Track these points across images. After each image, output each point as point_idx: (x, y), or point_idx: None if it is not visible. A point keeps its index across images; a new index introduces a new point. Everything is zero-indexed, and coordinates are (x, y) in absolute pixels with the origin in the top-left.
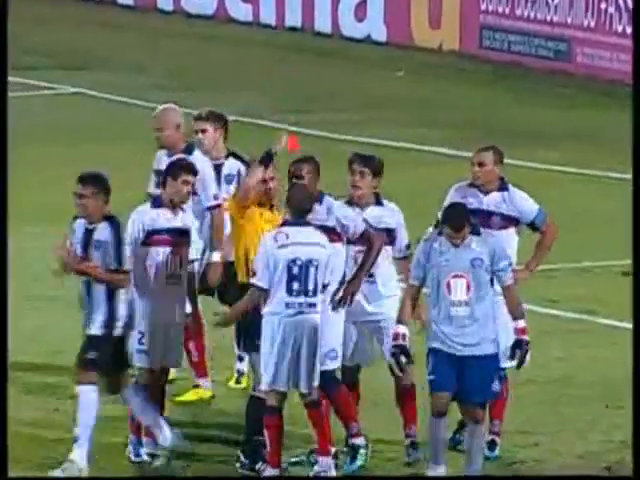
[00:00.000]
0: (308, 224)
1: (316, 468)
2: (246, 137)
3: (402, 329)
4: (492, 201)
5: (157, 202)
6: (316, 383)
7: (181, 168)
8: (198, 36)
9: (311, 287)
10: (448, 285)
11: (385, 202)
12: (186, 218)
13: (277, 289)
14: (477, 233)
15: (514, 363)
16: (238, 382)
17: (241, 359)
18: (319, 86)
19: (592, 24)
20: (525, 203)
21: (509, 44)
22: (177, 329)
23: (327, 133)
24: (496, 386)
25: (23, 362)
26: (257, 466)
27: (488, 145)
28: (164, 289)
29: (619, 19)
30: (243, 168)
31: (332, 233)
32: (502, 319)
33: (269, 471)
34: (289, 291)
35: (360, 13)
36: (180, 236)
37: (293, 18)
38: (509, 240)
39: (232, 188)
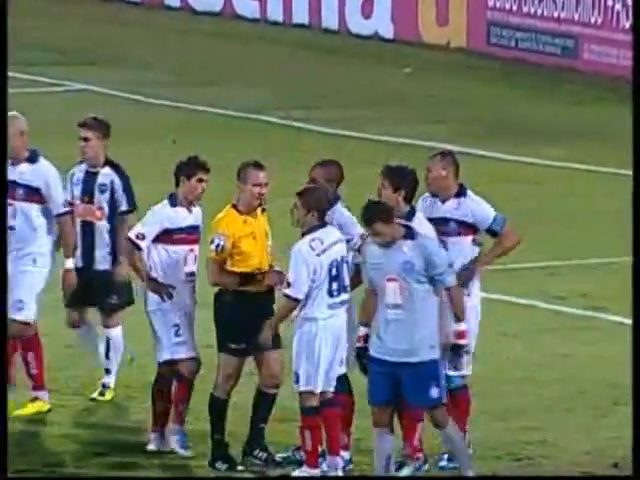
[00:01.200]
0: (327, 223)
1: (324, 466)
2: (253, 134)
3: (363, 331)
4: (448, 208)
5: (174, 201)
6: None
7: (196, 166)
8: (205, 33)
9: (346, 283)
10: (384, 288)
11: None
12: (198, 215)
13: (317, 293)
14: (411, 237)
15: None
16: (102, 395)
17: (108, 372)
18: (326, 83)
19: (599, 21)
20: (480, 209)
21: (516, 41)
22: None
23: (334, 130)
24: (435, 393)
25: None
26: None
27: (441, 151)
28: (184, 286)
29: (626, 16)
30: (117, 179)
31: None
32: (469, 325)
33: (308, 472)
34: (330, 292)
35: (367, 10)
36: (195, 233)
37: (300, 15)
38: (465, 247)
39: (105, 197)
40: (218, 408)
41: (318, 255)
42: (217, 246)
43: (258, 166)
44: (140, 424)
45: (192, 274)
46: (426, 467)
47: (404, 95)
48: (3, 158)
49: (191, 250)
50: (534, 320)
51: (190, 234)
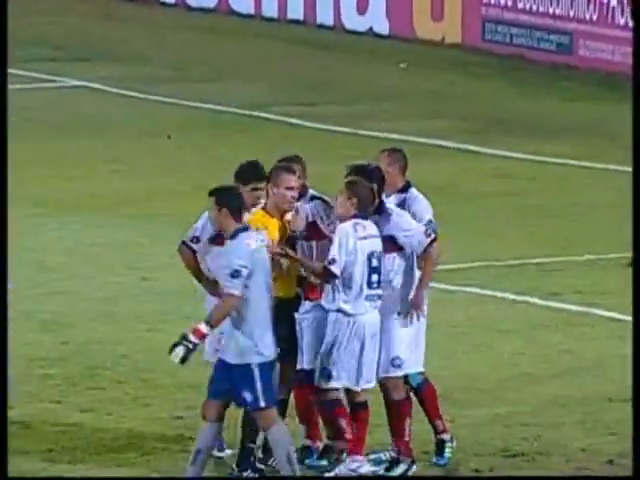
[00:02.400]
0: (368, 216)
1: (350, 466)
2: (248, 130)
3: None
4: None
5: None
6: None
7: (252, 175)
8: (201, 29)
9: (384, 278)
10: None
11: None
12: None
13: (355, 282)
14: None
15: None
16: None
17: None
18: (321, 79)
19: (594, 17)
20: (420, 208)
21: (511, 37)
22: None
23: (330, 126)
24: (248, 397)
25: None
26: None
27: (391, 148)
28: None
29: (621, 12)
30: None
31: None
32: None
33: (356, 460)
34: (370, 284)
35: (362, 6)
36: None
37: (295, 11)
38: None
39: None
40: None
41: (360, 239)
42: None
43: (290, 170)
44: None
45: None
46: (414, 468)
47: (399, 91)
48: (3, 158)
49: None
50: (529, 316)
51: None
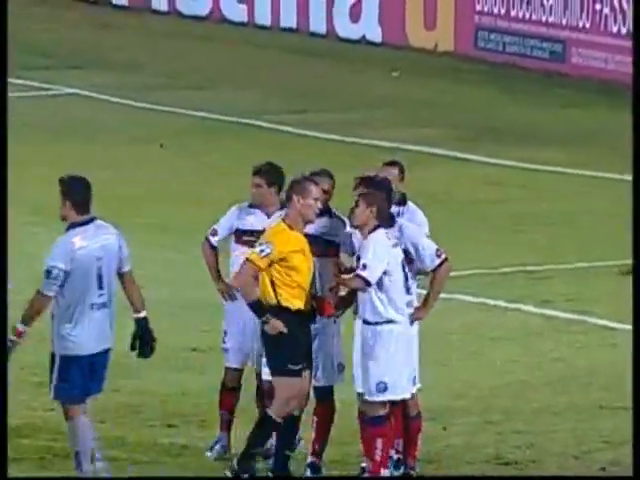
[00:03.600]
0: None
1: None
2: (241, 137)
3: None
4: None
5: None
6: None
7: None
8: (193, 36)
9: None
10: None
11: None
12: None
13: (398, 290)
14: None
15: None
16: None
17: None
18: (314, 87)
19: (587, 25)
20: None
21: (504, 45)
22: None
23: (322, 134)
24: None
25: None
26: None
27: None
28: None
29: (614, 20)
30: None
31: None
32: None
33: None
34: (407, 289)
35: (355, 14)
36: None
37: (288, 19)
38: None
39: None
40: (269, 429)
41: (393, 247)
42: (262, 251)
43: (313, 181)
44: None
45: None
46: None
47: (392, 99)
48: (3, 158)
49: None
50: (522, 324)
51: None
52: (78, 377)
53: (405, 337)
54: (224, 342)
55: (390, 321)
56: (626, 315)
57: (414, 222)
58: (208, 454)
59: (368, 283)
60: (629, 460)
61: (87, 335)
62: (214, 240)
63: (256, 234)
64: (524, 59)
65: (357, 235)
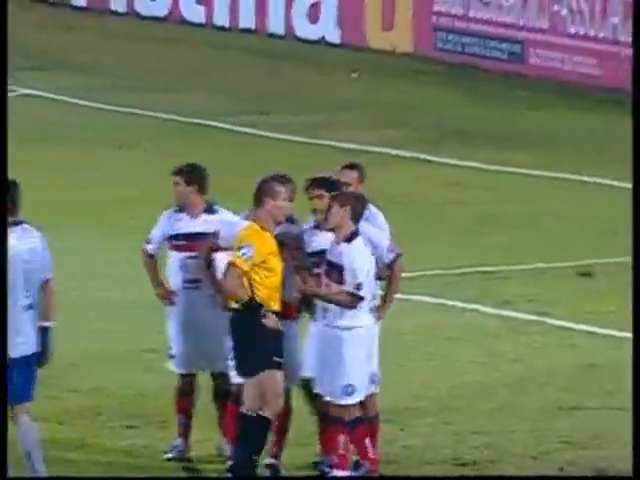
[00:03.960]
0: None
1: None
2: (200, 139)
3: None
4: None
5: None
6: None
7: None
8: (153, 38)
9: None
10: None
11: None
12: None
13: (368, 296)
14: None
15: None
16: None
17: None
18: (273, 88)
19: (545, 26)
20: None
21: (463, 46)
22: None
23: (283, 135)
24: None
25: None
26: None
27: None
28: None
29: (572, 21)
30: None
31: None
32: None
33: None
34: (374, 296)
35: (313, 15)
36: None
37: (246, 20)
38: None
39: None
40: (264, 428)
41: (371, 256)
42: (244, 254)
43: (282, 182)
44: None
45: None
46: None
47: (351, 100)
48: (3, 158)
49: (190, 257)
50: (480, 325)
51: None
52: (19, 378)
53: (369, 338)
54: (171, 348)
55: (361, 326)
56: (584, 316)
57: (376, 226)
58: (167, 456)
59: (363, 300)
60: (587, 460)
61: (21, 337)
62: (149, 248)
63: (185, 238)
64: (483, 60)
65: (327, 235)
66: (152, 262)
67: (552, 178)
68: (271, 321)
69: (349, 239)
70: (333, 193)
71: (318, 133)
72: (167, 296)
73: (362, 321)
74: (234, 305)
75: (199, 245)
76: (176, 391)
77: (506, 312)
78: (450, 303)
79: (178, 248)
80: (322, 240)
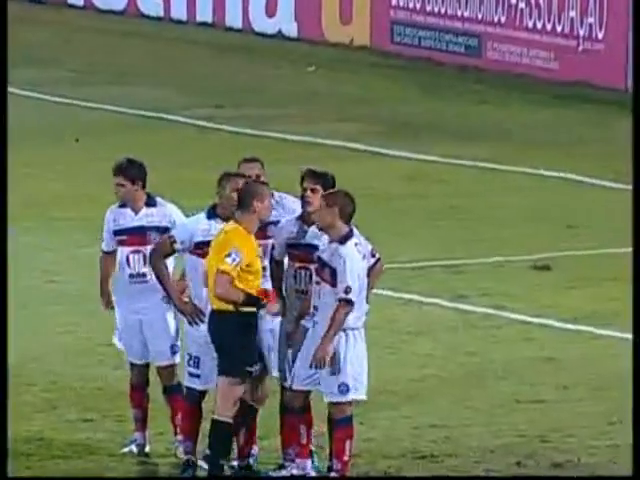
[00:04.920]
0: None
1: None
2: (157, 132)
3: None
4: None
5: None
6: None
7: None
8: (110, 32)
9: None
10: None
11: None
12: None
13: (361, 301)
14: None
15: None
16: None
17: None
18: (230, 82)
19: (502, 19)
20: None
21: (420, 39)
22: None
23: (239, 128)
24: None
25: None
26: None
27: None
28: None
29: (529, 14)
30: None
31: None
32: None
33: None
34: (367, 300)
35: (271, 9)
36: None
37: (204, 13)
38: None
39: None
40: (228, 433)
41: (362, 259)
42: (233, 260)
43: (263, 182)
44: None
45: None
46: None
47: (308, 93)
48: (3, 157)
49: (134, 251)
50: (438, 318)
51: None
52: None
53: (365, 341)
54: (119, 339)
55: (354, 328)
56: (542, 310)
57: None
58: (124, 450)
59: (353, 304)
60: (545, 454)
61: None
62: (102, 246)
63: (128, 232)
64: (440, 53)
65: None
66: (106, 260)
67: (508, 172)
68: (274, 307)
69: (342, 240)
70: (325, 193)
71: (274, 126)
72: (104, 301)
73: (361, 323)
74: (224, 307)
75: (142, 239)
76: (130, 385)
77: (464, 306)
78: (408, 297)
79: (123, 243)
80: (313, 235)
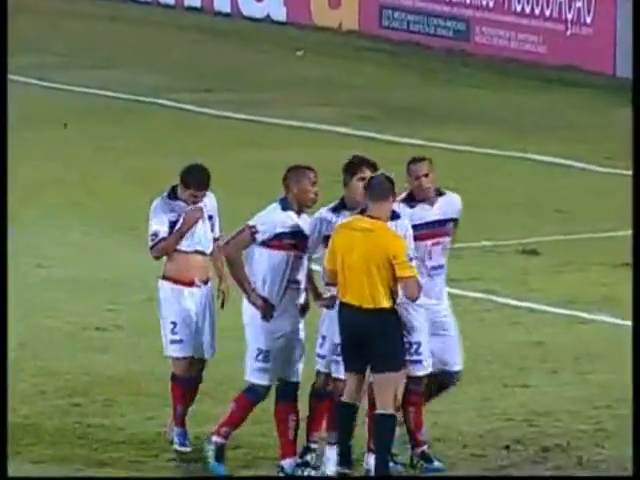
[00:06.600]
0: None
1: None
2: (145, 117)
3: None
4: (440, 209)
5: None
6: None
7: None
8: (99, 16)
9: None
10: None
11: None
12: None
13: None
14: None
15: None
16: None
17: None
18: (220, 66)
19: (490, 4)
20: (459, 202)
21: (408, 23)
22: None
23: (229, 113)
24: None
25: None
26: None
27: (419, 156)
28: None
29: None
30: None
31: None
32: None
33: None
34: None
35: None
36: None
37: None
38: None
39: None
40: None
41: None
42: (410, 259)
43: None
44: None
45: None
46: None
47: (297, 78)
48: (3, 154)
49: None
50: None
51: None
52: None
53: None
54: (174, 333)
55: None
56: (530, 294)
57: (454, 208)
58: (184, 449)
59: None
60: (533, 438)
61: None
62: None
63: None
64: (428, 38)
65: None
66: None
67: (496, 156)
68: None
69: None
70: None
71: (262, 110)
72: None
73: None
74: (384, 305)
75: None
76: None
77: (452, 290)
78: None
79: None
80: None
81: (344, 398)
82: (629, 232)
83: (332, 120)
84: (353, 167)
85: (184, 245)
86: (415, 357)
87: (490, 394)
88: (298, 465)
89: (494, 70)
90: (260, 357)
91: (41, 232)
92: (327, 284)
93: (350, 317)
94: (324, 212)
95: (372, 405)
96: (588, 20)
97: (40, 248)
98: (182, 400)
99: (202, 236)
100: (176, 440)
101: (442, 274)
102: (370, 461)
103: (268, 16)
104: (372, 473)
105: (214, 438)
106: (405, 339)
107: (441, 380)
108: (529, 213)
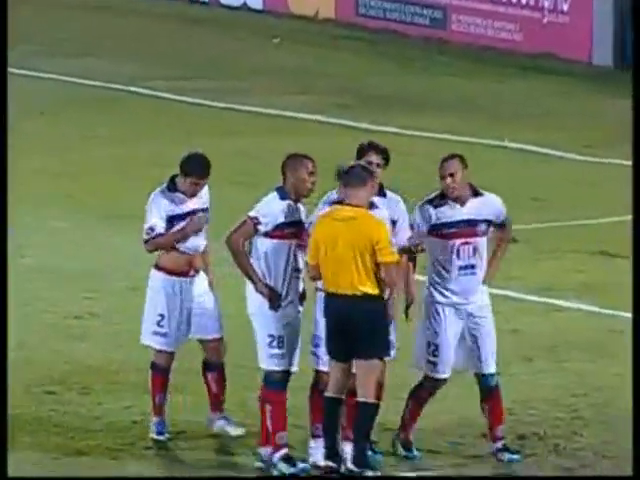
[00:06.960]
0: None
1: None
2: (122, 105)
3: None
4: (472, 209)
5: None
6: None
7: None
8: (75, 5)
9: None
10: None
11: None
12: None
13: None
14: None
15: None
16: None
17: None
18: (196, 54)
19: None
20: (499, 204)
21: (385, 11)
22: None
23: (205, 101)
24: None
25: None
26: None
27: (450, 154)
28: None
29: None
30: None
31: None
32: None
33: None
34: None
35: None
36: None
37: None
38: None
39: None
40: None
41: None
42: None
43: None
44: None
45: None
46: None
47: (273, 66)
48: (3, 152)
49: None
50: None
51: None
52: None
53: None
54: (160, 326)
55: None
56: (508, 282)
57: (492, 210)
58: (161, 438)
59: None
60: (509, 426)
61: None
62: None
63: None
64: (405, 26)
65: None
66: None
67: (475, 144)
68: None
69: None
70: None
71: (239, 98)
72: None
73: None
74: (372, 292)
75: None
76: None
77: None
78: None
79: None
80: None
81: (329, 391)
82: (606, 219)
83: (309, 108)
84: (361, 151)
85: (182, 246)
86: (431, 358)
87: (467, 382)
88: (285, 459)
89: (471, 58)
90: (274, 343)
91: (23, 221)
92: (312, 278)
93: (337, 305)
94: (332, 196)
95: (351, 393)
96: (565, 8)
97: (22, 237)
98: (161, 389)
99: (200, 238)
100: (154, 429)
101: (475, 274)
102: (346, 449)
103: (245, 4)
104: (349, 462)
105: (276, 456)
106: (426, 338)
107: (479, 382)
108: (506, 201)
